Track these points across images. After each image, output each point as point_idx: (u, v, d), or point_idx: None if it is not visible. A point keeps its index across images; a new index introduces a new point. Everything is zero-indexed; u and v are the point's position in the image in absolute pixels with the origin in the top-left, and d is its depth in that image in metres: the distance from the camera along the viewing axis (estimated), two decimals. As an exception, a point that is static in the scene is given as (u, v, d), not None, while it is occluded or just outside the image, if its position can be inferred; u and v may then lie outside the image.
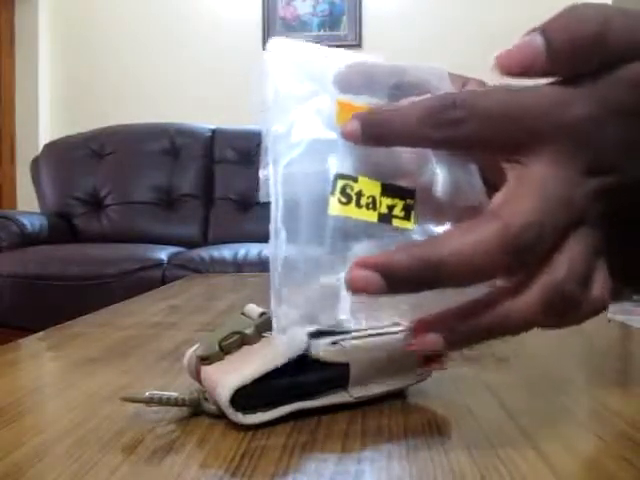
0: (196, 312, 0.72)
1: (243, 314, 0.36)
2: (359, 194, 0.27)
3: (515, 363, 0.44)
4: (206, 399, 0.32)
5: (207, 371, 0.32)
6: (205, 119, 2.86)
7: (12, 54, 3.14)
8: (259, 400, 0.31)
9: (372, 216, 0.27)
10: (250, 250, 2.13)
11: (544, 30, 0.24)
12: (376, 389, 0.34)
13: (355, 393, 0.33)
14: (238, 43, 3.09)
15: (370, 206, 0.27)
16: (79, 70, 3.17)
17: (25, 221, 2.42)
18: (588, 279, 0.24)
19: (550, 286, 0.24)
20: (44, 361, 0.50)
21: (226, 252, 2.15)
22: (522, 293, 0.24)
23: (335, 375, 0.33)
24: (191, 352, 0.35)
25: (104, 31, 3.16)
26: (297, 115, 0.28)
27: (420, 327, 0.25)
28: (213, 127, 2.80)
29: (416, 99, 0.26)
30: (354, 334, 0.34)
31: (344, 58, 0.30)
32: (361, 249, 0.27)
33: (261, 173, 0.27)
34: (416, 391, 0.36)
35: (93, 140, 2.79)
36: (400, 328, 0.37)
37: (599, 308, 0.25)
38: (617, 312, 0.29)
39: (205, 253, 2.17)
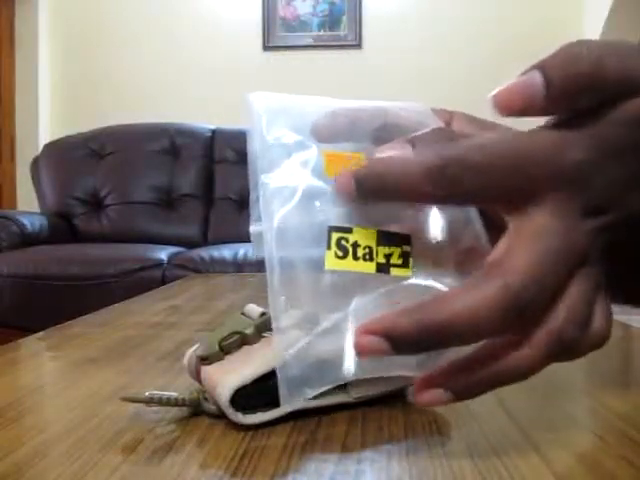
0: (196, 312, 0.71)
1: (243, 314, 0.36)
2: (355, 245, 0.27)
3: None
4: (206, 399, 0.32)
5: (207, 371, 0.32)
6: (205, 119, 2.86)
7: (12, 54, 3.14)
8: (259, 400, 0.30)
9: (370, 267, 0.27)
10: (250, 250, 2.13)
11: (543, 68, 0.24)
12: (376, 389, 0.34)
13: (355, 393, 0.33)
14: (238, 43, 3.09)
15: (367, 257, 0.27)
16: (79, 70, 3.17)
17: (25, 221, 2.42)
18: (589, 318, 0.24)
19: (552, 335, 0.24)
20: (44, 361, 0.50)
21: (226, 252, 2.16)
22: (525, 344, 0.24)
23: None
24: (191, 352, 0.35)
25: (104, 31, 3.16)
26: (286, 168, 0.28)
27: (426, 383, 0.25)
28: (213, 127, 2.80)
29: (406, 147, 0.27)
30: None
31: (324, 106, 0.30)
32: (362, 303, 0.27)
33: (252, 228, 0.27)
34: (416, 391, 0.36)
35: (93, 140, 2.79)
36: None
37: (600, 342, 0.25)
38: (617, 312, 0.28)
39: (205, 253, 2.17)
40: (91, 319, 0.65)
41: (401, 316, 0.23)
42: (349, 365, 0.27)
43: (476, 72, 2.90)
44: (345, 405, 0.33)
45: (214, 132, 2.78)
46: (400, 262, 0.27)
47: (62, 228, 2.64)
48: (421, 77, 2.95)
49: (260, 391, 0.31)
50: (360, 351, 0.24)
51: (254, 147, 0.28)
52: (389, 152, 0.27)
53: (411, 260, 0.27)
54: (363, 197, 0.26)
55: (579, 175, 0.24)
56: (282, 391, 0.26)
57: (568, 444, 0.28)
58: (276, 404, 0.31)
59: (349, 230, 0.27)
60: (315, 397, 0.32)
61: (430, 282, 0.28)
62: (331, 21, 3.08)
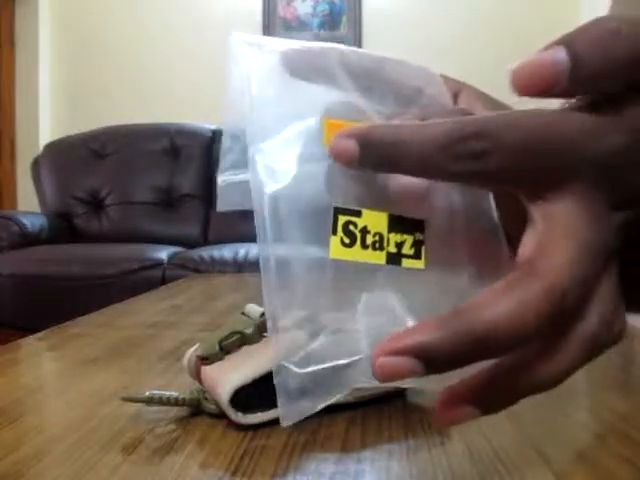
0: (196, 312, 0.71)
1: (243, 314, 0.36)
2: (364, 231, 0.24)
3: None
4: (206, 399, 0.32)
5: (207, 371, 0.32)
6: (205, 119, 2.86)
7: (12, 54, 3.14)
8: (259, 400, 0.31)
9: (379, 258, 0.24)
10: (250, 250, 2.13)
11: (569, 44, 0.21)
12: (376, 389, 0.34)
13: (355, 393, 0.33)
14: (238, 43, 3.09)
15: (377, 245, 0.24)
16: (79, 70, 3.17)
17: (25, 221, 2.42)
18: (615, 320, 0.23)
19: (587, 339, 0.22)
20: (44, 361, 0.50)
21: (226, 252, 2.16)
22: (559, 350, 0.22)
23: (335, 375, 0.33)
24: (191, 352, 0.35)
25: (104, 31, 3.17)
26: (280, 138, 0.25)
27: (451, 400, 0.22)
28: (213, 127, 2.80)
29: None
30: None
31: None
32: (370, 302, 0.24)
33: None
34: (416, 391, 0.36)
35: (93, 140, 2.79)
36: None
37: (620, 339, 0.24)
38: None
39: (205, 253, 2.17)
40: (91, 319, 0.65)
41: (432, 329, 0.20)
42: (358, 374, 0.24)
43: (476, 72, 2.89)
44: (345, 405, 0.33)
45: (214, 132, 2.78)
46: (412, 252, 0.24)
47: (62, 228, 2.65)
48: (421, 77, 2.95)
49: (260, 391, 0.31)
50: (383, 376, 0.21)
51: (244, 106, 0.24)
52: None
53: (424, 250, 0.24)
54: (366, 165, 0.23)
55: (613, 164, 0.22)
56: (281, 408, 0.23)
57: (568, 444, 0.28)
58: (276, 404, 0.31)
59: (358, 213, 0.24)
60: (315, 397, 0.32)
61: (446, 278, 0.25)
62: (331, 21, 3.07)
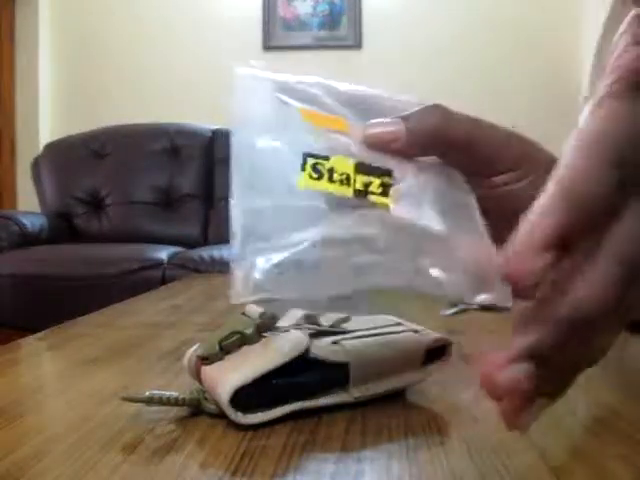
0: (196, 312, 0.71)
1: (243, 314, 0.36)
2: (331, 170, 0.25)
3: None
4: (206, 399, 0.32)
5: (207, 371, 0.32)
6: (205, 119, 2.86)
7: (12, 54, 3.14)
8: (259, 400, 0.31)
9: (347, 191, 0.25)
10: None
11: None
12: (376, 389, 0.34)
13: (355, 393, 0.33)
14: (238, 43, 3.09)
15: (344, 182, 0.25)
16: (79, 70, 3.17)
17: (25, 221, 2.42)
18: None
19: (617, 254, 0.21)
20: (44, 361, 0.50)
21: (226, 252, 2.15)
22: (590, 269, 0.21)
23: (335, 375, 0.33)
24: (191, 352, 0.35)
25: (104, 31, 3.16)
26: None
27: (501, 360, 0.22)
28: (213, 127, 2.80)
29: None
30: (354, 334, 0.34)
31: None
32: (332, 228, 0.25)
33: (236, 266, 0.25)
34: (416, 391, 0.36)
35: (93, 140, 2.79)
36: (401, 328, 0.37)
37: None
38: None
39: (205, 253, 2.17)
40: (91, 319, 0.65)
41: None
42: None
43: (476, 72, 2.90)
44: (345, 405, 0.33)
45: (214, 132, 2.78)
46: (379, 191, 0.25)
47: (62, 228, 2.64)
48: (421, 77, 2.95)
49: (260, 391, 0.31)
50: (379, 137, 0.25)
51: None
52: (381, 127, 0.26)
53: (392, 191, 0.25)
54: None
55: None
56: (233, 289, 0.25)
57: (568, 444, 0.28)
58: (276, 404, 0.31)
59: (326, 157, 0.25)
60: (315, 397, 0.32)
61: (412, 215, 0.26)
62: (331, 21, 3.07)
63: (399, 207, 0.25)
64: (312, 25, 3.09)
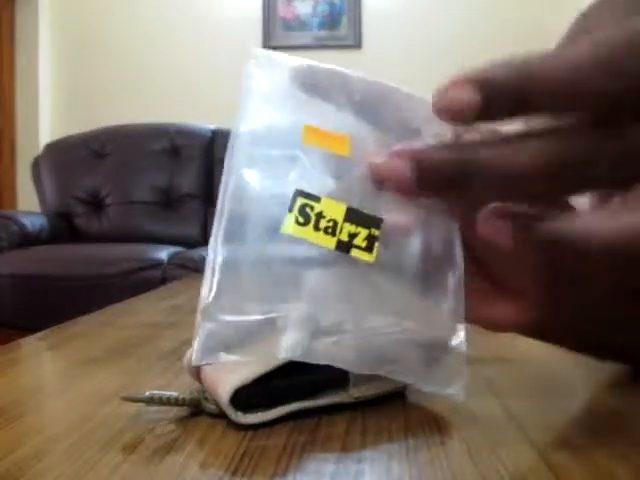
0: (196, 312, 0.71)
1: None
2: (319, 216, 0.24)
3: (516, 363, 0.44)
4: (206, 399, 0.32)
5: (207, 371, 0.32)
6: (205, 119, 2.86)
7: (12, 54, 3.14)
8: (259, 400, 0.31)
9: (329, 242, 0.24)
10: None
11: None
12: (376, 389, 0.34)
13: (355, 393, 0.33)
14: (238, 43, 3.09)
15: (329, 231, 0.24)
16: (79, 70, 3.17)
17: (25, 221, 2.42)
18: None
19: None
20: (44, 361, 0.50)
21: (226, 252, 2.15)
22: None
23: (335, 375, 0.33)
24: (191, 352, 0.35)
25: (104, 31, 3.16)
26: (262, 121, 0.26)
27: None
28: (213, 127, 2.80)
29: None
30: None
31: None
32: (315, 278, 0.25)
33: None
34: (416, 391, 0.36)
35: (93, 140, 2.79)
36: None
37: None
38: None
39: (205, 253, 2.17)
40: (91, 319, 0.65)
41: (494, 69, 0.21)
42: (287, 341, 0.25)
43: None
44: (345, 405, 0.33)
45: (214, 132, 2.78)
46: (364, 245, 0.24)
47: (62, 228, 2.65)
48: (421, 77, 2.95)
49: (260, 391, 0.31)
50: (442, 101, 0.21)
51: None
52: (385, 167, 0.24)
53: (377, 246, 0.25)
54: (424, 189, 0.23)
55: None
56: (197, 345, 0.25)
57: (568, 444, 0.28)
58: (276, 404, 0.31)
59: (317, 199, 0.24)
60: (315, 397, 0.32)
61: (390, 283, 0.25)
62: (331, 21, 3.07)
63: (379, 267, 0.25)
64: (312, 25, 3.09)
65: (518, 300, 0.27)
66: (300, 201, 0.24)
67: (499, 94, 0.21)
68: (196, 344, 0.25)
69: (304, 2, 3.08)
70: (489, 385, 0.37)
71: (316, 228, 0.24)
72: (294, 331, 0.26)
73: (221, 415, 0.31)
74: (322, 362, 0.26)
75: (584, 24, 0.28)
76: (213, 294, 0.24)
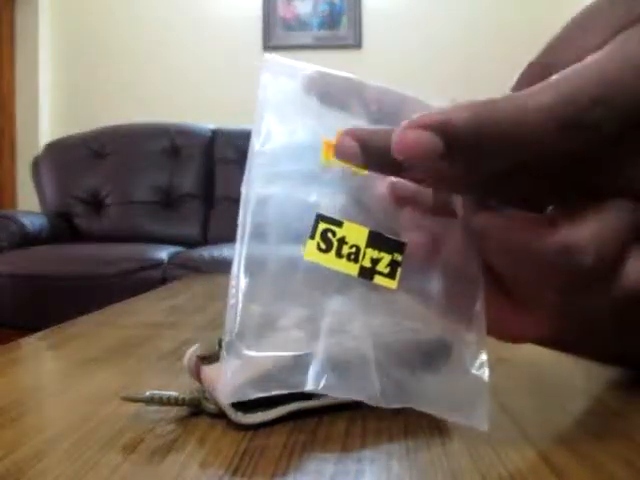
0: (196, 312, 0.71)
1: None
2: (341, 241, 0.24)
3: (516, 364, 0.44)
4: (206, 399, 0.32)
5: (207, 371, 0.32)
6: (205, 119, 2.86)
7: (12, 54, 3.14)
8: (259, 400, 0.30)
9: (352, 269, 0.24)
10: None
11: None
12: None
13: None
14: (238, 43, 3.09)
15: (352, 257, 0.24)
16: (79, 70, 3.17)
17: (25, 221, 2.42)
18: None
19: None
20: (44, 361, 0.50)
21: (226, 252, 2.16)
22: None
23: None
24: (191, 352, 0.35)
25: (104, 31, 3.16)
26: (284, 137, 0.25)
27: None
28: (213, 127, 2.80)
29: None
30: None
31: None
32: (338, 307, 0.25)
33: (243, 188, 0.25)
34: (416, 391, 0.36)
35: (93, 140, 2.79)
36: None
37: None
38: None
39: (205, 253, 2.17)
40: (91, 319, 0.65)
41: (458, 110, 0.20)
42: (312, 375, 0.25)
43: (476, 72, 2.90)
44: (345, 405, 0.33)
45: (214, 132, 2.78)
46: (387, 271, 0.24)
47: (62, 228, 2.65)
48: (421, 77, 2.95)
49: (260, 391, 0.30)
50: (403, 147, 0.20)
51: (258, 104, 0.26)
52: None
53: (399, 272, 0.24)
54: (368, 158, 0.22)
55: None
56: (224, 383, 0.24)
57: (568, 444, 0.28)
58: (276, 404, 0.31)
59: (339, 223, 0.24)
60: (315, 397, 0.32)
61: (414, 307, 0.26)
62: (331, 21, 3.07)
63: (402, 292, 0.25)
64: (312, 25, 3.09)
65: (535, 312, 0.26)
66: (322, 226, 0.24)
67: (457, 140, 0.20)
68: (222, 381, 0.25)
69: (304, 2, 3.08)
70: (489, 385, 0.37)
71: (338, 255, 0.24)
72: (318, 365, 0.25)
73: (221, 415, 0.31)
74: (347, 397, 0.26)
75: (569, 34, 0.27)
76: (237, 328, 0.24)
